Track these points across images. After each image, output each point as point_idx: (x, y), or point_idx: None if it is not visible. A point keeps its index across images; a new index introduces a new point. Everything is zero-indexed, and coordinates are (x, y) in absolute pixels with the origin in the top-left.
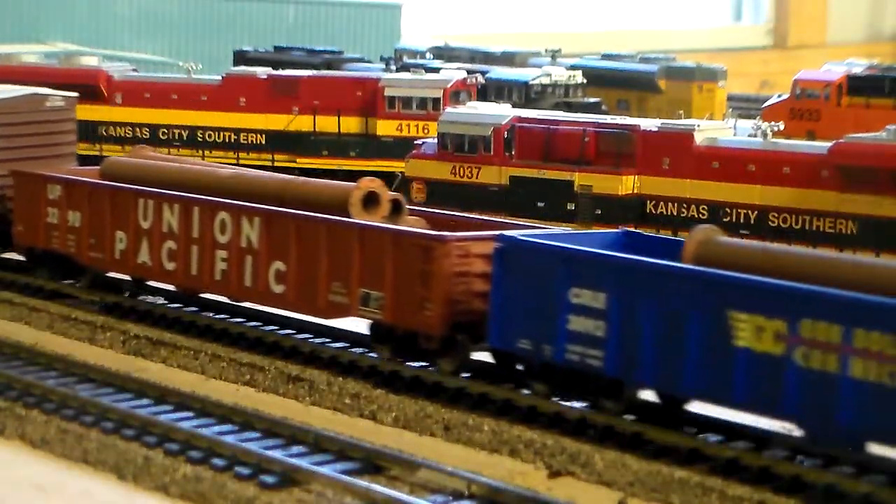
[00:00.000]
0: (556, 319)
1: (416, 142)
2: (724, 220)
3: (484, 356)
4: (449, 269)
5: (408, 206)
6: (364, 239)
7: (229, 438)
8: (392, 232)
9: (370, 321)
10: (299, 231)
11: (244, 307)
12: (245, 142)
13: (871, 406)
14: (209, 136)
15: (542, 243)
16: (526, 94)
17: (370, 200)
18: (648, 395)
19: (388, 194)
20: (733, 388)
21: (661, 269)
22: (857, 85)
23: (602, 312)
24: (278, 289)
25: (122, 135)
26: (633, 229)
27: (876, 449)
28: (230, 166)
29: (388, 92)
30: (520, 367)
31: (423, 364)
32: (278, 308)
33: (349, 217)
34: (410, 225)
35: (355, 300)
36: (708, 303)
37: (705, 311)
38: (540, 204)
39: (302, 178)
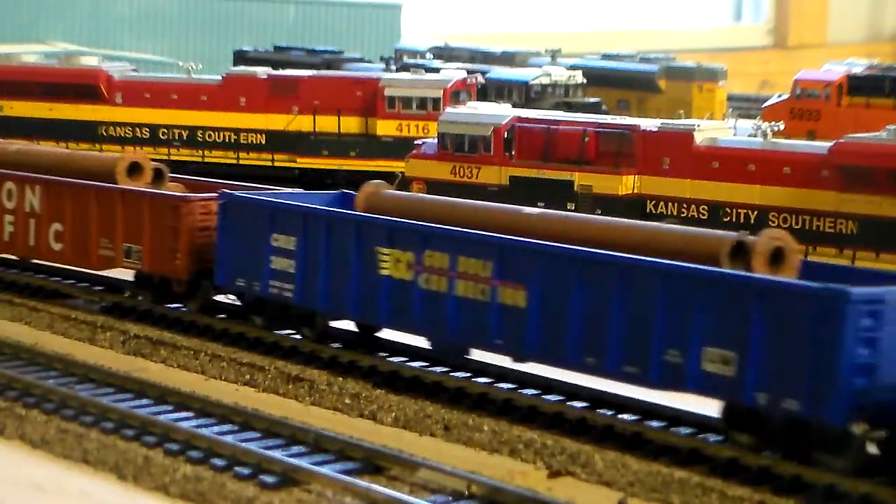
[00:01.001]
0: (262, 260)
1: (416, 142)
2: (725, 219)
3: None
4: (192, 224)
5: (170, 175)
6: (126, 201)
7: (229, 438)
8: (148, 195)
9: (134, 271)
10: (73, 196)
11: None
12: (245, 142)
13: (469, 317)
14: (209, 136)
15: (251, 198)
16: (526, 94)
17: (134, 169)
18: (348, 325)
19: (151, 164)
20: (380, 311)
21: (331, 215)
22: (857, 85)
23: (293, 253)
24: (57, 246)
25: (122, 135)
26: (348, 191)
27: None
28: (18, 143)
29: (388, 92)
30: (239, 303)
31: (424, 364)
32: (57, 263)
33: (116, 184)
34: (170, 190)
35: (120, 254)
36: (362, 241)
37: (360, 248)
38: (540, 204)
39: (81, 152)
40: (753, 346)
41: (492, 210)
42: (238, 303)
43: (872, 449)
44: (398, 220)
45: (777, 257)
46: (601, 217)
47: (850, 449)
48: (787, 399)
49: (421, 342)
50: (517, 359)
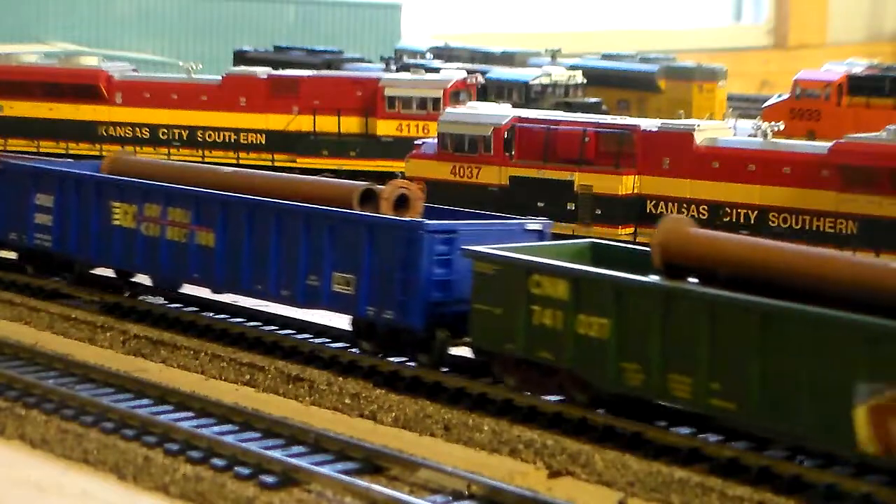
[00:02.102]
0: (29, 216)
1: (416, 142)
2: (725, 219)
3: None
4: None
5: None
6: None
7: (229, 438)
8: None
9: None
10: None
11: (244, 307)
12: (245, 142)
13: (176, 256)
14: (209, 136)
15: (21, 164)
16: (526, 94)
17: None
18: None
19: None
20: (113, 255)
21: (78, 176)
22: (857, 85)
23: (51, 209)
24: None
25: (122, 135)
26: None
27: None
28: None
29: (388, 92)
30: (13, 256)
31: (423, 365)
32: None
33: None
34: None
35: None
36: (100, 197)
37: (99, 204)
38: (540, 204)
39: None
40: (364, 270)
41: (198, 169)
42: (14, 255)
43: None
44: (126, 178)
45: (402, 203)
46: (274, 173)
47: (433, 349)
48: (387, 311)
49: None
50: (213, 290)
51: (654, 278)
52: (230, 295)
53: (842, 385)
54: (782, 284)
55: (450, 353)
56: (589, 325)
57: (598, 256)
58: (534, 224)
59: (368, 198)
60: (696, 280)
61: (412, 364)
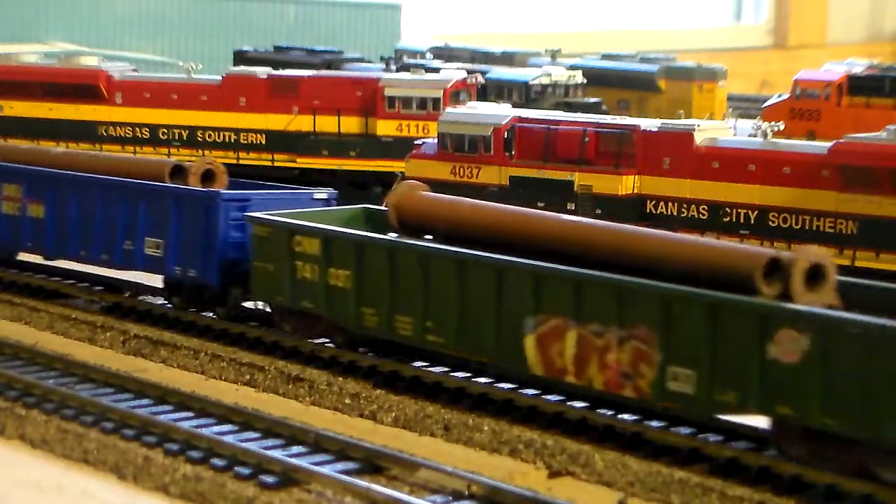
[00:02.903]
0: None
1: (416, 142)
2: (725, 219)
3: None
4: None
5: None
6: None
7: (229, 438)
8: None
9: None
10: None
11: (244, 307)
12: (245, 142)
13: (12, 228)
14: (209, 136)
15: None
16: (526, 94)
17: None
18: None
19: None
20: None
21: None
22: (857, 85)
23: None
24: None
25: (122, 135)
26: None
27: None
28: None
29: (388, 92)
30: None
31: (423, 364)
32: None
33: None
34: None
35: None
36: None
37: None
38: (540, 204)
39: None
40: (172, 235)
41: (32, 150)
42: None
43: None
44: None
45: (208, 177)
46: (110, 154)
47: (229, 303)
48: (191, 270)
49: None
50: (44, 257)
51: (391, 236)
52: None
53: (515, 319)
54: (485, 238)
55: (243, 305)
56: (337, 276)
57: (368, 220)
58: (320, 193)
59: (178, 173)
60: (429, 237)
61: (412, 364)
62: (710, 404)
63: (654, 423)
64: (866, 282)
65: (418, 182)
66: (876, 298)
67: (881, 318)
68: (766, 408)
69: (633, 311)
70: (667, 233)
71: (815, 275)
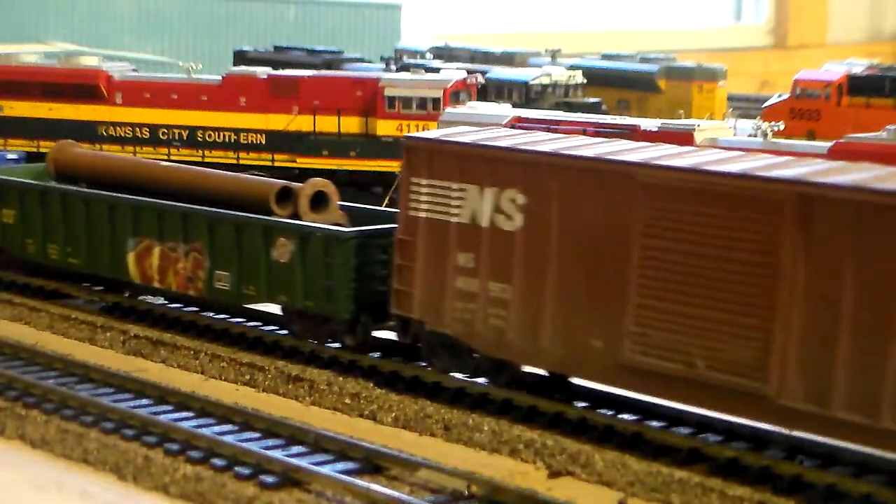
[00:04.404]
0: None
1: None
2: None
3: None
4: None
5: None
6: None
7: (229, 438)
8: None
9: None
10: None
11: (245, 307)
12: (245, 142)
13: None
14: (209, 136)
15: None
16: (526, 94)
17: None
18: None
19: None
20: None
21: None
22: (857, 85)
23: None
24: None
25: (122, 135)
26: None
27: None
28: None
29: (388, 92)
30: None
31: (423, 364)
32: None
33: None
34: None
35: None
36: None
37: None
38: None
39: None
40: None
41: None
42: None
43: None
44: None
45: None
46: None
47: None
48: None
49: None
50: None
51: (52, 184)
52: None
53: (121, 242)
54: (117, 182)
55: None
56: (8, 215)
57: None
58: (12, 153)
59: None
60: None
61: (412, 364)
62: (240, 297)
63: (654, 424)
64: (363, 206)
65: (72, 141)
66: (370, 218)
67: (342, 228)
68: (272, 297)
69: (193, 231)
70: (218, 171)
71: (319, 200)
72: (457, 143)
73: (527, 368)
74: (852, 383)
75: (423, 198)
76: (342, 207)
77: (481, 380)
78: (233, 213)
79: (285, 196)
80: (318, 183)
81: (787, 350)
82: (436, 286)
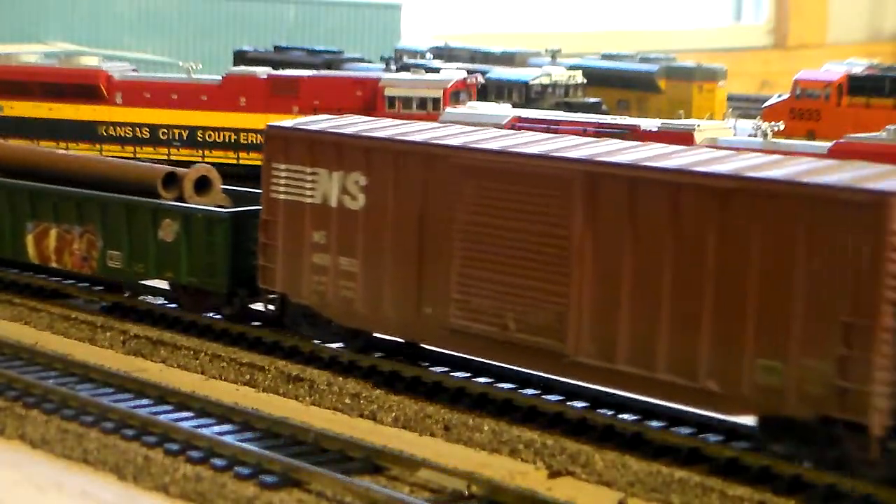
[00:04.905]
0: None
1: None
2: None
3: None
4: None
5: None
6: None
7: (229, 438)
8: None
9: None
10: None
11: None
12: (245, 142)
13: None
14: (209, 136)
15: None
16: (526, 94)
17: None
18: None
19: None
20: None
21: None
22: (857, 85)
23: None
24: None
25: (122, 135)
26: None
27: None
28: None
29: (388, 92)
30: None
31: (424, 364)
32: None
33: None
34: None
35: None
36: None
37: None
38: None
39: None
40: None
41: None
42: None
43: None
44: None
45: None
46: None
47: None
48: None
49: None
50: None
51: None
52: None
53: (21, 225)
54: (23, 170)
55: None
56: None
57: None
58: None
59: None
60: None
61: (412, 364)
62: (131, 274)
63: (654, 424)
64: (245, 189)
65: None
66: (251, 200)
67: (221, 209)
68: (159, 274)
69: (87, 213)
70: (110, 158)
71: (203, 184)
72: (308, 130)
73: (378, 335)
74: (632, 341)
75: (282, 181)
76: (225, 191)
77: (481, 379)
78: (123, 196)
79: (171, 180)
80: (202, 168)
81: (581, 314)
82: (295, 262)
